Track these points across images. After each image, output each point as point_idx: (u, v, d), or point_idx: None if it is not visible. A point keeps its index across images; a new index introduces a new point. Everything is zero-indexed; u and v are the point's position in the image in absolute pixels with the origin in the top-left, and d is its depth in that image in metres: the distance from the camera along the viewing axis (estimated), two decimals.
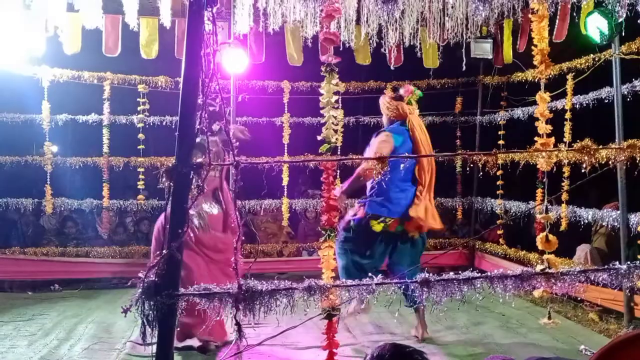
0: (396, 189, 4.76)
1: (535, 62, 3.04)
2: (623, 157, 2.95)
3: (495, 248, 7.41)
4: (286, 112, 7.66)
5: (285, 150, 7.64)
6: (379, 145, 4.73)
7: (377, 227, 4.71)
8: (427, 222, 4.74)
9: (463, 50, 6.80)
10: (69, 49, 6.43)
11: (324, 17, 2.66)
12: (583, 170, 2.95)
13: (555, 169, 5.49)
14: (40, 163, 7.24)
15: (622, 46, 5.23)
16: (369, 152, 4.83)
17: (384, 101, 5.08)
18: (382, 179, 4.58)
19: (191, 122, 2.45)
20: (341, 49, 6.38)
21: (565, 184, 6.16)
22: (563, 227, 6.19)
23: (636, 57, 5.25)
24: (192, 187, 2.47)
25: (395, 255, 4.87)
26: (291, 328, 2.76)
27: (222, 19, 6.59)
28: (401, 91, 5.05)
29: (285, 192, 7.69)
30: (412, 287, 2.70)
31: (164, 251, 2.44)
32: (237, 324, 2.53)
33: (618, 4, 4.21)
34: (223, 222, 4.94)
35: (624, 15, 4.36)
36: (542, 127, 2.99)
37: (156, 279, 2.46)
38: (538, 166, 3.13)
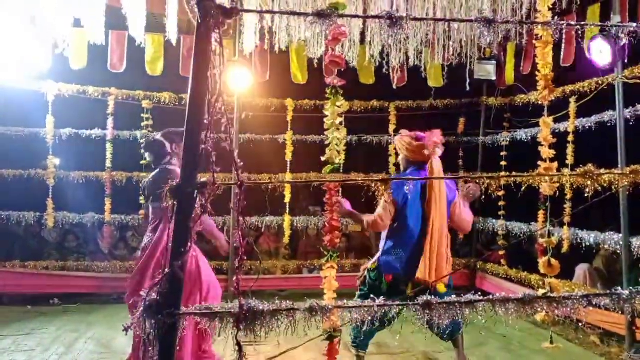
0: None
1: (539, 88, 3.06)
2: (626, 182, 2.96)
3: (496, 269, 7.39)
4: (289, 129, 7.68)
5: (288, 168, 7.66)
6: (380, 207, 4.30)
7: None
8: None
9: (467, 71, 6.85)
10: (74, 64, 6.49)
11: (330, 41, 2.68)
12: (586, 195, 2.96)
13: (557, 192, 5.52)
14: (43, 177, 7.26)
15: (625, 70, 5.27)
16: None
17: (404, 142, 4.53)
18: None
19: (196, 142, 2.46)
20: (343, 69, 6.42)
21: (568, 207, 6.16)
22: (565, 249, 6.19)
23: (639, 81, 5.28)
24: (196, 206, 2.48)
25: None
26: (292, 349, 2.75)
27: (228, 37, 6.66)
28: (426, 136, 4.46)
29: (287, 209, 7.69)
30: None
31: (167, 270, 2.44)
32: (238, 343, 2.52)
33: (620, 30, 4.24)
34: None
35: (626, 41, 4.38)
36: (546, 151, 3.00)
37: (158, 298, 2.46)
38: (541, 190, 3.13)
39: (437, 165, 4.38)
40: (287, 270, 7.96)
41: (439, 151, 4.45)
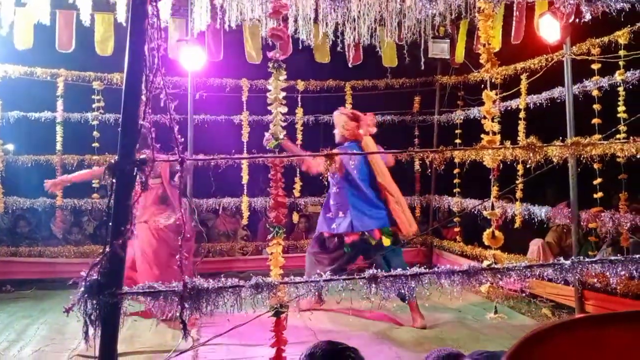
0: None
1: (481, 61, 3.08)
2: (568, 154, 3.01)
3: (452, 246, 7.49)
4: (245, 110, 7.61)
5: (245, 149, 7.59)
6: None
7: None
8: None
9: (421, 49, 6.85)
10: (20, 44, 6.28)
11: (272, 13, 2.65)
12: (530, 167, 3.01)
13: (510, 168, 5.61)
14: None
15: (573, 47, 5.35)
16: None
17: (342, 119, 5.20)
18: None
19: (134, 118, 2.41)
20: (300, 47, 6.38)
21: (519, 182, 6.26)
22: (517, 224, 6.30)
23: (586, 57, 5.38)
24: (136, 184, 2.43)
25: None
26: (238, 326, 2.75)
27: (180, 15, 6.54)
28: (362, 118, 5.21)
29: (245, 190, 7.64)
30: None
31: (107, 249, 2.40)
32: (183, 322, 2.50)
33: (567, 6, 4.29)
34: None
35: (573, 18, 4.44)
36: (489, 124, 3.04)
37: (99, 278, 2.42)
38: (484, 163, 3.18)
39: (371, 142, 5.13)
40: (246, 252, 7.93)
41: (373, 130, 5.22)
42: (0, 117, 6.96)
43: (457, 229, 7.63)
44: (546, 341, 1.10)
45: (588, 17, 3.21)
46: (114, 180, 2.39)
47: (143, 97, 2.44)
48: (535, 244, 6.64)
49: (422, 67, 6.86)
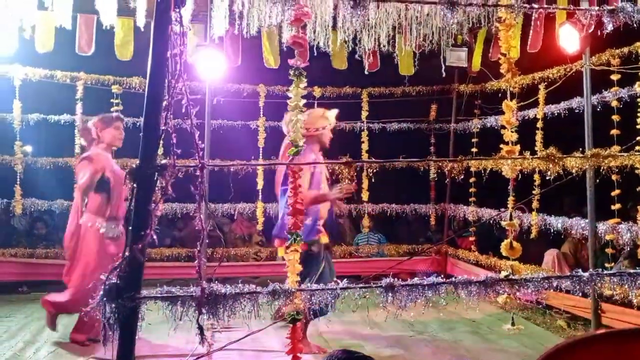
0: None
1: (502, 71, 3.08)
2: (587, 166, 2.99)
3: (467, 255, 7.45)
4: (262, 115, 7.63)
5: (261, 154, 7.61)
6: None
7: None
8: None
9: (441, 58, 6.84)
10: (40, 47, 6.34)
11: (293, 21, 2.67)
12: (549, 179, 2.99)
13: (527, 177, 5.58)
14: (10, 163, 7.11)
15: (593, 57, 5.32)
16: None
17: (326, 120, 4.95)
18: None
19: (156, 123, 2.43)
20: (316, 54, 6.38)
21: (536, 192, 6.22)
22: (533, 234, 6.26)
23: (606, 68, 5.34)
24: (156, 188, 2.45)
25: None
26: (253, 332, 2.75)
27: (199, 21, 6.57)
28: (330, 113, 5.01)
29: (260, 195, 7.65)
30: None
31: (127, 253, 2.42)
32: (200, 327, 2.51)
33: (587, 17, 4.26)
34: None
35: (593, 28, 4.41)
36: (508, 134, 3.03)
37: (118, 281, 2.43)
38: (503, 173, 3.16)
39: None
40: (260, 257, 7.94)
41: None
42: (20, 119, 7.03)
43: (472, 239, 7.59)
44: (568, 356, 1.10)
45: (610, 28, 3.19)
46: (135, 185, 2.41)
47: (164, 103, 2.46)
48: (550, 254, 6.59)
49: (444, 75, 6.85)
